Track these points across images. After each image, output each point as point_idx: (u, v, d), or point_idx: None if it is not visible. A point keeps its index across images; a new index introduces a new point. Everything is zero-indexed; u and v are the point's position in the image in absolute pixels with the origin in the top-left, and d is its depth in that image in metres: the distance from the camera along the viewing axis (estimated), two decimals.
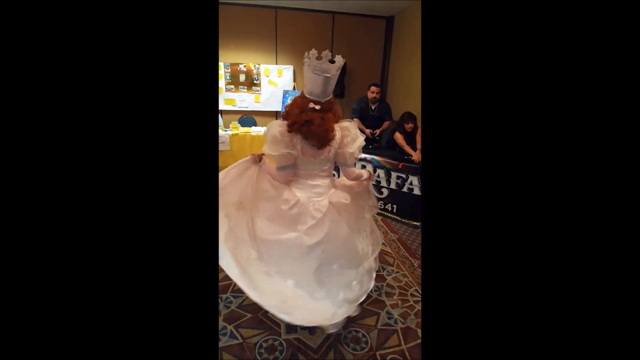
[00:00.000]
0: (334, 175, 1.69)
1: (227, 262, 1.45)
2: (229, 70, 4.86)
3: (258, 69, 4.94)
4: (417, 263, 2.30)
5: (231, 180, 1.61)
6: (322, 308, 1.42)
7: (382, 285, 2.01)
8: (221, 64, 4.77)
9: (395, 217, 3.09)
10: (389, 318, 1.73)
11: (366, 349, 1.51)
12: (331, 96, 1.43)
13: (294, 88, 5.02)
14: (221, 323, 1.63)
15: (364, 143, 1.50)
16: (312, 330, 1.60)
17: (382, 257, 2.28)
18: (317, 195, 1.49)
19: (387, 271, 2.18)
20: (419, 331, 1.63)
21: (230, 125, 4.36)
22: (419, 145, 3.16)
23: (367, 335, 1.59)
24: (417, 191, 2.92)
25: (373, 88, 3.47)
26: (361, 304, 1.62)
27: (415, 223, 2.97)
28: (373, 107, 3.56)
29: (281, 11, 4.80)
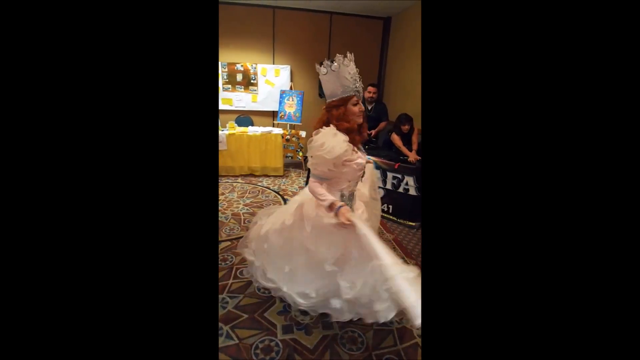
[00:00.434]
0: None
1: None
2: (226, 70, 4.85)
3: (255, 68, 4.93)
4: (412, 263, 2.31)
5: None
6: None
7: None
8: (218, 63, 4.76)
9: (391, 217, 3.10)
10: None
11: (362, 349, 1.52)
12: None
13: (291, 88, 5.02)
14: None
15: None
16: (308, 330, 1.61)
17: None
18: None
19: None
20: (415, 331, 1.64)
21: (227, 125, 4.36)
22: (415, 146, 3.19)
23: (363, 336, 1.60)
24: (412, 191, 2.94)
25: (370, 88, 3.49)
26: None
27: (411, 223, 2.98)
28: (370, 108, 3.58)
29: (279, 11, 4.80)
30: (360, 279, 1.32)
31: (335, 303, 1.43)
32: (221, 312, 1.72)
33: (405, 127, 3.22)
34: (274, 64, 5.03)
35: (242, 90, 4.99)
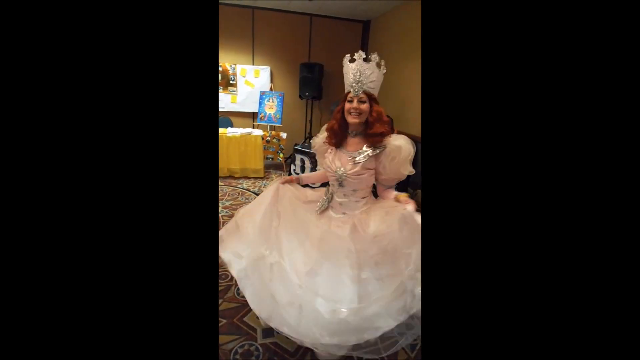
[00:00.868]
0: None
1: None
2: None
3: (234, 69, 4.87)
4: None
5: None
6: None
7: None
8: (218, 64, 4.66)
9: None
10: None
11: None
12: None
13: (271, 89, 4.99)
14: None
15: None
16: None
17: None
18: None
19: None
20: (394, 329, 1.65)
21: None
22: None
23: None
24: None
25: None
26: None
27: None
28: None
29: (258, 11, 4.76)
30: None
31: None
32: None
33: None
34: (253, 64, 4.98)
35: (221, 91, 4.91)
